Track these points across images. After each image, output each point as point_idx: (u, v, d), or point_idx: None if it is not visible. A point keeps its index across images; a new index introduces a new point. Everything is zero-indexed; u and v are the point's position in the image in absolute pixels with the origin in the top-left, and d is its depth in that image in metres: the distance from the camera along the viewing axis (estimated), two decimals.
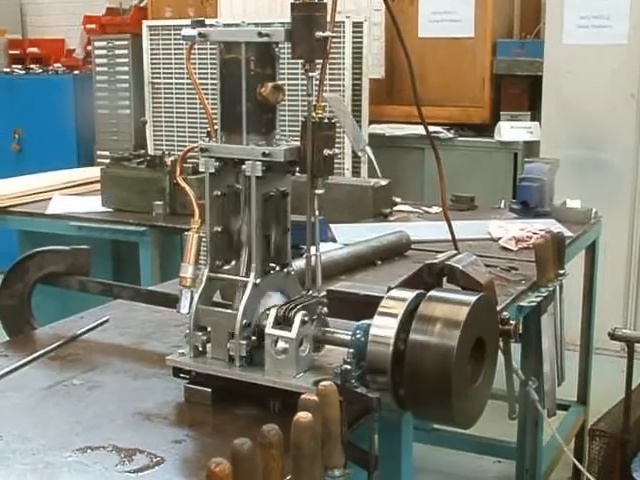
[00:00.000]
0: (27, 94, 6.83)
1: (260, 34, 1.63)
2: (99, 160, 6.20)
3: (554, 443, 3.22)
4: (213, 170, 1.70)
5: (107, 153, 5.75)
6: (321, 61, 1.65)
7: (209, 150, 1.70)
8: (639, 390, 3.50)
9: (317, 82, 1.66)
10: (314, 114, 1.66)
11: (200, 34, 1.68)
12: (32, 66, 7.23)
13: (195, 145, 1.73)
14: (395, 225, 3.19)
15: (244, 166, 1.67)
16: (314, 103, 1.66)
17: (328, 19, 1.63)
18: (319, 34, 1.60)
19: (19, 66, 7.27)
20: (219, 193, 1.72)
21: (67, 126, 6.73)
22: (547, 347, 2.69)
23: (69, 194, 4.16)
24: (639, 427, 3.36)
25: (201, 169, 1.71)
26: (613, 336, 3.15)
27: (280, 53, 1.70)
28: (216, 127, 1.71)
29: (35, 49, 7.67)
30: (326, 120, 1.66)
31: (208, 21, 1.72)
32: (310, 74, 1.64)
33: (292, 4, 1.60)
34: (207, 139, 1.72)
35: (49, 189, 4.16)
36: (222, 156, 1.70)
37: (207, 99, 1.76)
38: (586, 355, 3.68)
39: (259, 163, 1.65)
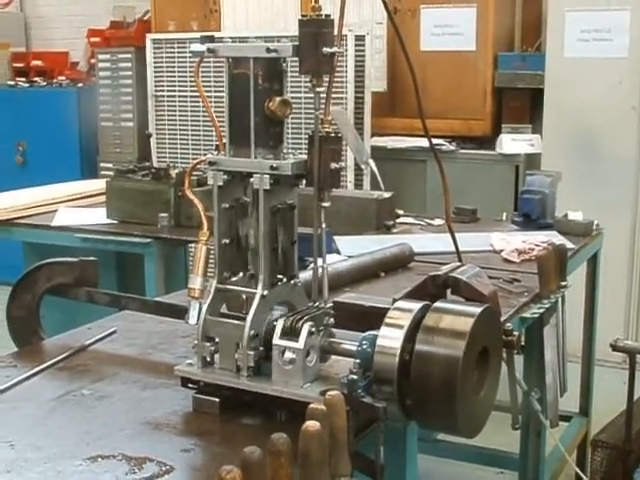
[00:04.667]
0: (31, 107, 6.86)
1: (268, 50, 1.65)
2: (102, 172, 6.24)
3: (557, 454, 3.23)
4: (222, 183, 1.72)
5: (110, 165, 5.81)
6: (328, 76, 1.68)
7: (218, 163, 1.73)
8: None
9: (324, 96, 1.69)
10: (321, 128, 1.68)
11: (209, 49, 1.70)
12: (36, 79, 7.26)
13: (203, 158, 1.75)
14: (398, 237, 3.21)
15: (252, 179, 1.70)
16: (321, 117, 1.69)
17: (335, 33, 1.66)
18: (326, 50, 1.62)
19: (23, 79, 7.31)
20: (227, 206, 1.74)
21: (71, 139, 6.77)
22: (549, 358, 2.71)
23: (74, 206, 4.19)
24: None
25: (210, 182, 1.73)
26: (615, 347, 3.17)
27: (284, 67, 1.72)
28: (224, 141, 1.74)
29: (39, 62, 7.69)
30: (333, 134, 1.69)
31: (216, 35, 1.74)
32: (317, 89, 1.66)
33: (300, 20, 1.63)
34: (216, 152, 1.75)
35: (54, 201, 4.18)
36: (230, 169, 1.72)
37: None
38: (588, 366, 3.69)
39: (267, 176, 1.67)
